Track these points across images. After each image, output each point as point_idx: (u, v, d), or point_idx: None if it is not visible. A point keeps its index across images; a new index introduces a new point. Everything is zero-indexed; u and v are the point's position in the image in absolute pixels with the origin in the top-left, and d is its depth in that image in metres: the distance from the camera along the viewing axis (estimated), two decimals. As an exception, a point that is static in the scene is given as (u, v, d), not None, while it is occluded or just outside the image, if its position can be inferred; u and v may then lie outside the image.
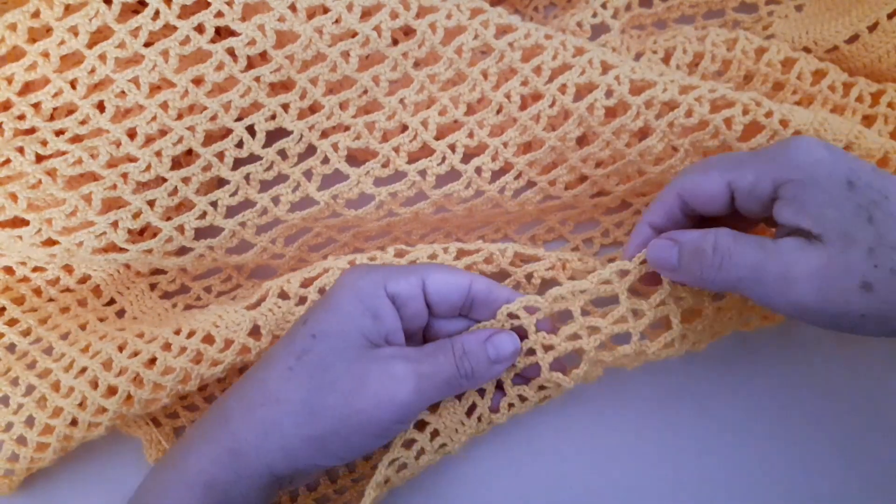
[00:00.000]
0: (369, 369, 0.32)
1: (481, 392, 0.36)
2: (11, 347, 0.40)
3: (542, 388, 0.36)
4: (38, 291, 0.42)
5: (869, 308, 0.29)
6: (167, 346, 0.37)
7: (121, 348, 0.38)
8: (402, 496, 0.40)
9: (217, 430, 0.33)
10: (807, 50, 0.43)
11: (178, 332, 0.38)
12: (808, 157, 0.30)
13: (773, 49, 0.41)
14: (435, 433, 0.36)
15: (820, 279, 0.29)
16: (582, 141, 0.39)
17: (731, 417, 0.40)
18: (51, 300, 0.42)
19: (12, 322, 0.40)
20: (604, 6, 0.44)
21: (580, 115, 0.38)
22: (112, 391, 0.37)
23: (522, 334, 0.35)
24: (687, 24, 0.46)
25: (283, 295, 0.38)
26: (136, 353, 0.37)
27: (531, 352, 0.35)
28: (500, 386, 0.36)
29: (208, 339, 0.37)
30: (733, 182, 0.31)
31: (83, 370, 0.37)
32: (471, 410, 0.36)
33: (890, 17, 0.41)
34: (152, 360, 0.37)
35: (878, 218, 0.28)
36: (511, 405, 0.36)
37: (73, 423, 0.37)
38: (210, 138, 0.38)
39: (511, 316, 0.35)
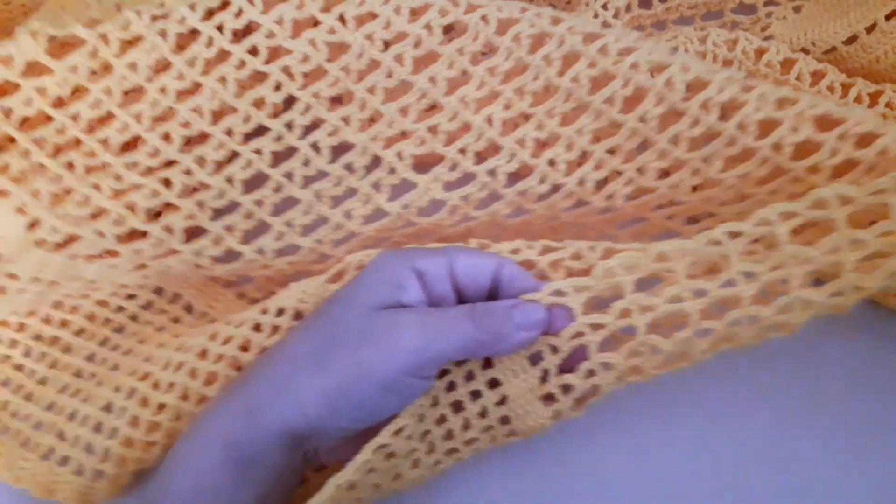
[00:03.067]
0: (376, 323, 0.32)
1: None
2: (115, 368, 0.41)
3: (637, 354, 0.32)
4: (134, 318, 0.43)
5: None
6: (258, 328, 0.38)
7: (212, 338, 0.39)
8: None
9: (235, 391, 0.33)
10: (805, 51, 0.44)
11: (265, 312, 0.38)
12: None
13: (773, 50, 0.42)
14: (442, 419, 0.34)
15: None
16: (665, 121, 0.36)
17: (732, 418, 0.38)
18: (148, 323, 0.43)
19: (115, 347, 0.42)
20: (604, 7, 0.44)
21: (657, 92, 0.35)
22: (210, 380, 0.38)
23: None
24: (686, 25, 0.47)
25: (362, 267, 0.37)
26: (228, 340, 0.38)
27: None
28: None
29: (298, 316, 0.38)
30: None
31: (180, 365, 0.38)
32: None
33: (888, 18, 0.42)
34: (245, 347, 0.38)
35: None
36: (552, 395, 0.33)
37: (177, 418, 0.38)
38: (276, 158, 0.38)
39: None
